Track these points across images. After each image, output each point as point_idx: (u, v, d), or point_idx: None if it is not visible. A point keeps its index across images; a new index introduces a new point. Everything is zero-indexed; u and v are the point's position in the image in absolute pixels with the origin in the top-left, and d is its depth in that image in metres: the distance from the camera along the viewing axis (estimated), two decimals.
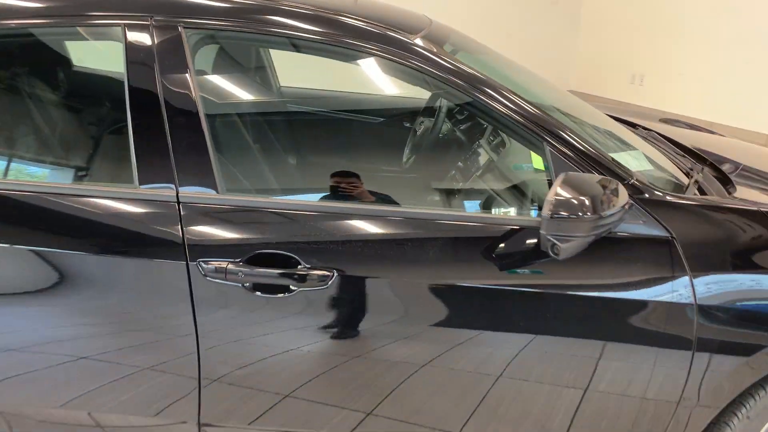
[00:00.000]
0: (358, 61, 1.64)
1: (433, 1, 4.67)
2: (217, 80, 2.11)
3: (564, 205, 1.32)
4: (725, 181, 1.80)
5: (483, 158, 2.09)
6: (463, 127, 2.25)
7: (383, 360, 1.51)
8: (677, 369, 1.49)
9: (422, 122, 2.30)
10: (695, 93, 6.71)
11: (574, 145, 1.51)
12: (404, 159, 2.27)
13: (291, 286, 1.44)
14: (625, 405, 1.54)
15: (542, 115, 1.54)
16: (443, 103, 2.22)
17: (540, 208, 1.52)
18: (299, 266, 1.43)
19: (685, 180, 1.74)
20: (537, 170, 1.80)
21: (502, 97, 1.53)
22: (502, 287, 1.47)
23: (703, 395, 1.51)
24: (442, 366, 1.51)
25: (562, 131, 1.52)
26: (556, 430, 1.58)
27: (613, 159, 1.55)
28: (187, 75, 1.46)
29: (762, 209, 1.57)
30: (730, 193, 1.69)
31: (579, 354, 1.50)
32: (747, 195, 1.68)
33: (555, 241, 1.34)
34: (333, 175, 1.74)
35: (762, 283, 1.48)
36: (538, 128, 1.51)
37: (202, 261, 1.42)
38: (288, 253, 1.43)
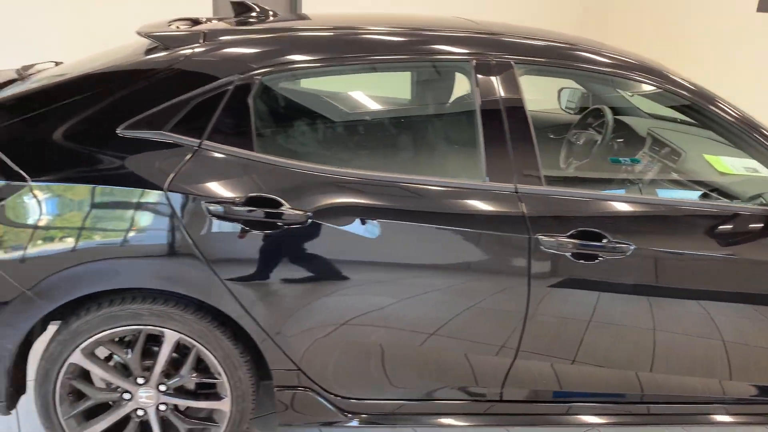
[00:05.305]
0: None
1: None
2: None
3: None
4: None
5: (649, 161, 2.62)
6: (622, 138, 2.77)
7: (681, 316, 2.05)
8: None
9: (576, 135, 2.79)
10: None
11: None
12: (563, 165, 2.72)
13: (599, 255, 1.93)
14: None
15: None
16: (608, 118, 2.67)
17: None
18: (604, 239, 1.92)
19: None
20: (723, 173, 2.34)
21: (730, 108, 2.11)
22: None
23: None
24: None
25: None
26: None
27: None
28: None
29: None
30: None
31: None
32: None
33: None
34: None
35: None
36: None
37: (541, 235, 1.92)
38: (597, 230, 1.93)
